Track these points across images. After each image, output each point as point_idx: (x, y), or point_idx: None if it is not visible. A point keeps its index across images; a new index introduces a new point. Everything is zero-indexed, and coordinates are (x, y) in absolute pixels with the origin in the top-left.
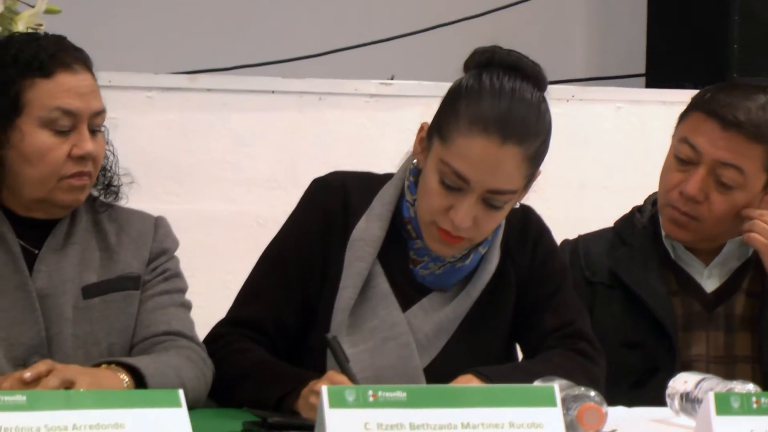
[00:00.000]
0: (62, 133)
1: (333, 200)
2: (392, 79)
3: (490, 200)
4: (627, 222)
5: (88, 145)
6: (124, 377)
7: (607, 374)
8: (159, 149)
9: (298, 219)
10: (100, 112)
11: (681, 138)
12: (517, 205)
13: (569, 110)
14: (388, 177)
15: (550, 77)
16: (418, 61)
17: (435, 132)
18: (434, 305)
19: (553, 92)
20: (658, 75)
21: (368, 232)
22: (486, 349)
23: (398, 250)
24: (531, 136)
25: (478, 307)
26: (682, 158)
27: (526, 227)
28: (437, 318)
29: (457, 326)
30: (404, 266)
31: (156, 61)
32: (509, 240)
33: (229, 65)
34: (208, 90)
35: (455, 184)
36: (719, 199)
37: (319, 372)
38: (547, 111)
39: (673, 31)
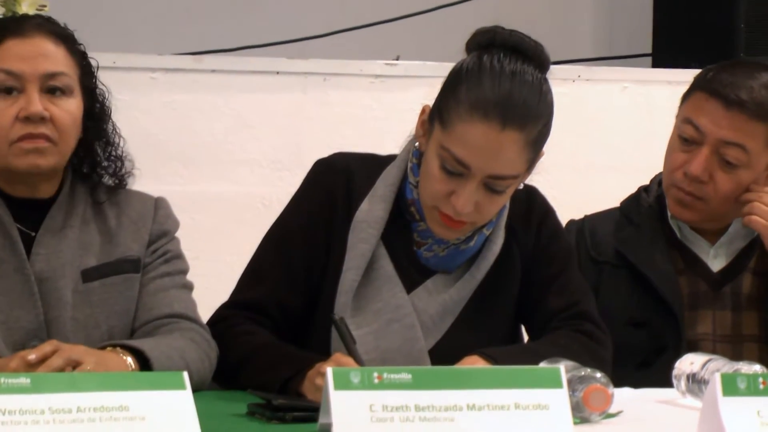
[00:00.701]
0: (10, 96)
1: (336, 181)
2: (397, 59)
3: (491, 185)
4: (633, 202)
5: (35, 106)
6: (129, 360)
7: (613, 355)
8: (163, 130)
9: (301, 200)
10: (56, 74)
11: (684, 118)
12: (522, 186)
13: (575, 90)
14: (391, 158)
15: (556, 57)
16: (424, 41)
17: (436, 116)
18: (438, 287)
19: (559, 72)
20: (664, 55)
21: (371, 213)
22: (491, 330)
23: (402, 232)
24: (532, 120)
25: (482, 288)
26: (686, 138)
27: (531, 208)
28: (442, 300)
29: (461, 308)
30: (408, 248)
31: (160, 42)
32: (514, 221)
33: (234, 46)
34: (212, 71)
35: (456, 170)
36: (724, 179)
37: (324, 354)
38: (549, 92)
39: (679, 11)
